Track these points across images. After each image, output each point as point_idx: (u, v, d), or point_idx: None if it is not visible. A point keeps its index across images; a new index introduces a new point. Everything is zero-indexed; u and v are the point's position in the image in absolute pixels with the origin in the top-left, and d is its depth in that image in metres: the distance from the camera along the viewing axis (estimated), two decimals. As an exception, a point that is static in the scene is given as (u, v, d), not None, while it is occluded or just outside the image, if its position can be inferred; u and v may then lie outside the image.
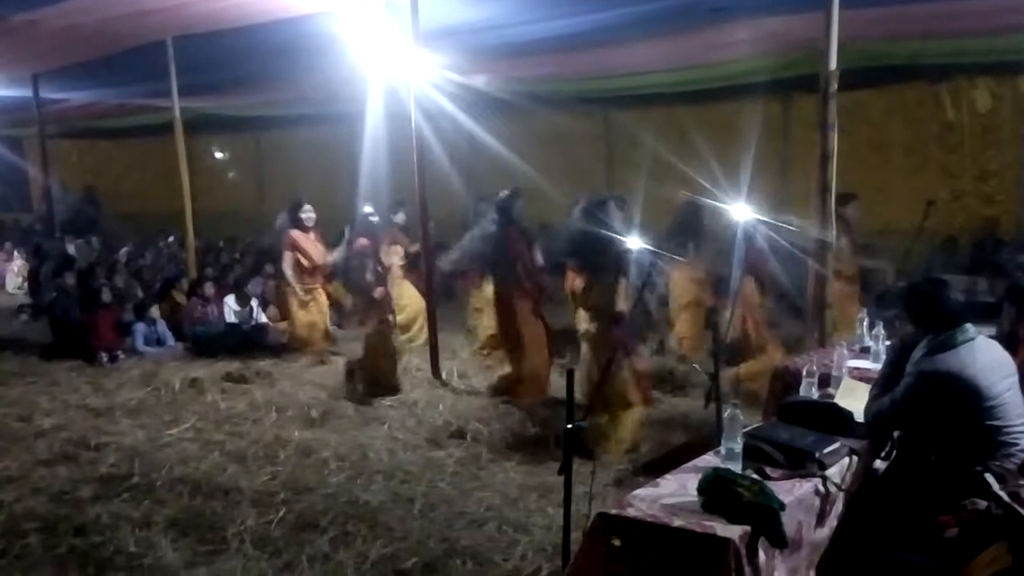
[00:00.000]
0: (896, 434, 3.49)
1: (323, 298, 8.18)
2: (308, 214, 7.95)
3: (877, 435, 3.45)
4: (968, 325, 3.27)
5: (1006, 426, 3.16)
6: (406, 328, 8.40)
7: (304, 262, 7.87)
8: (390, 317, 7.54)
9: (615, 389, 5.25)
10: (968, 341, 3.23)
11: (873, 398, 3.48)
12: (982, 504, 2.95)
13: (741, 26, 7.54)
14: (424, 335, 8.35)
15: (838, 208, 6.55)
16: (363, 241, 8.33)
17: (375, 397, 6.65)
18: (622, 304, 5.27)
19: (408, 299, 8.43)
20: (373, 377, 6.88)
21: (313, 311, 8.06)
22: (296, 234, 7.88)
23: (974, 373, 3.15)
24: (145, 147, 16.94)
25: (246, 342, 8.54)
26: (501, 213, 6.43)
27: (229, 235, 14.15)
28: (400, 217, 8.64)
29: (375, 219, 7.24)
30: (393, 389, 6.79)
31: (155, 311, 8.81)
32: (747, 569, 2.56)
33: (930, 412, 3.20)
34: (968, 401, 3.14)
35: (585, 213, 5.59)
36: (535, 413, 5.99)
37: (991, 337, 3.48)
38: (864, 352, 4.65)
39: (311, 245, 7.93)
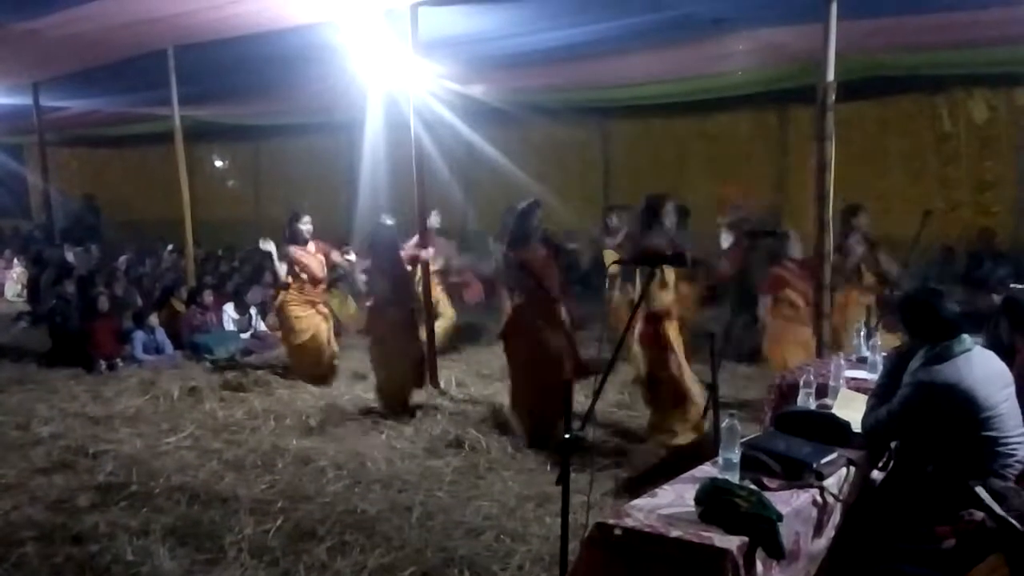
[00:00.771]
0: (893, 444, 3.50)
1: (324, 312, 7.84)
2: (306, 226, 7.66)
3: (875, 445, 3.46)
4: (965, 336, 3.28)
5: (1003, 437, 3.17)
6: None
7: (304, 276, 7.60)
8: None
9: (665, 387, 5.27)
10: (965, 352, 3.24)
11: (870, 408, 3.49)
12: (979, 515, 2.96)
13: (739, 38, 7.58)
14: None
15: (850, 219, 6.63)
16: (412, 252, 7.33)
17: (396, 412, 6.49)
18: (667, 300, 5.29)
19: (443, 309, 8.41)
20: (393, 392, 6.67)
21: (316, 327, 7.68)
22: (295, 249, 7.56)
23: (972, 384, 3.15)
24: (144, 155, 16.97)
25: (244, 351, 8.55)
26: (517, 227, 5.92)
27: (228, 244, 14.16)
28: (433, 220, 8.07)
29: (390, 223, 6.89)
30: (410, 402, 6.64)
31: (154, 319, 8.82)
32: (744, 580, 2.56)
33: (927, 422, 3.21)
34: (965, 412, 3.14)
35: (644, 215, 5.50)
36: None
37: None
38: (861, 362, 4.66)
39: (311, 258, 7.66)
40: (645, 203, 5.55)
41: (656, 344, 5.36)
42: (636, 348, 5.59)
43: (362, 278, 7.60)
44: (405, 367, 6.71)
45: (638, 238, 5.53)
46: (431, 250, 7.42)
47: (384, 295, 6.73)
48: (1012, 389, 3.28)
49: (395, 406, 6.60)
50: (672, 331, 5.38)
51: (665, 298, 5.34)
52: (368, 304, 7.05)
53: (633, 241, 5.65)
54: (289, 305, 7.67)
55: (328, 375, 7.69)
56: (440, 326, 8.26)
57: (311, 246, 7.73)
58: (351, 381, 7.65)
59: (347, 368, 8.02)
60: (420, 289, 7.56)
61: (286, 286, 7.71)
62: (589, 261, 8.67)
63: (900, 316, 3.54)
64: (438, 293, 8.42)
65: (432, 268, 7.86)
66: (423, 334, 7.26)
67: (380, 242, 6.85)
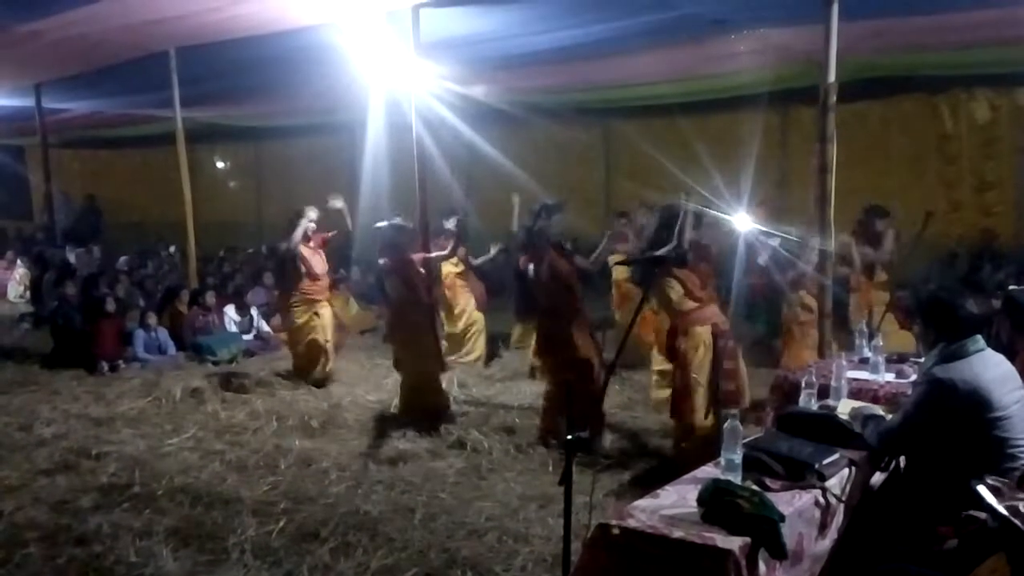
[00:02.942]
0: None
1: (327, 312, 7.78)
2: (310, 223, 7.64)
3: (890, 454, 3.44)
4: (979, 336, 3.28)
5: (1012, 439, 3.16)
6: (460, 340, 8.25)
7: (303, 269, 7.59)
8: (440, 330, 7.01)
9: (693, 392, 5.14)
10: (979, 351, 3.24)
11: (874, 425, 3.43)
12: (981, 515, 2.95)
13: (741, 38, 7.59)
14: (479, 349, 8.33)
15: (877, 221, 6.71)
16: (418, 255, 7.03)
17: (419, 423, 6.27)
18: (687, 306, 5.14)
19: (463, 306, 8.39)
20: (416, 403, 6.50)
21: (316, 328, 7.63)
22: (300, 247, 7.57)
23: (986, 383, 3.15)
24: (146, 157, 16.99)
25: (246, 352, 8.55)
26: (539, 230, 5.71)
27: (229, 245, 14.17)
28: (452, 223, 8.14)
29: (404, 223, 6.82)
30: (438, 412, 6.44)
31: (155, 320, 8.83)
32: (747, 581, 2.57)
33: (939, 421, 3.19)
34: (977, 411, 3.13)
35: (661, 218, 5.33)
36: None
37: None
38: (863, 363, 4.65)
39: (312, 254, 7.69)
40: (662, 213, 5.35)
41: (672, 356, 5.32)
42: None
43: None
44: (432, 368, 6.61)
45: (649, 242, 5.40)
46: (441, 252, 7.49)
47: (402, 297, 6.63)
48: (1023, 393, 3.27)
49: (426, 408, 6.47)
50: (691, 342, 5.12)
51: (684, 304, 5.16)
52: (388, 308, 7.00)
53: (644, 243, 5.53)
54: (291, 305, 7.70)
55: (323, 380, 7.61)
56: (464, 324, 8.36)
57: (313, 243, 7.73)
58: (352, 383, 7.65)
59: (348, 370, 8.02)
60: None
61: (287, 287, 7.74)
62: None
63: (918, 313, 3.54)
64: (457, 292, 8.45)
65: (452, 269, 8.05)
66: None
67: (395, 244, 6.65)
